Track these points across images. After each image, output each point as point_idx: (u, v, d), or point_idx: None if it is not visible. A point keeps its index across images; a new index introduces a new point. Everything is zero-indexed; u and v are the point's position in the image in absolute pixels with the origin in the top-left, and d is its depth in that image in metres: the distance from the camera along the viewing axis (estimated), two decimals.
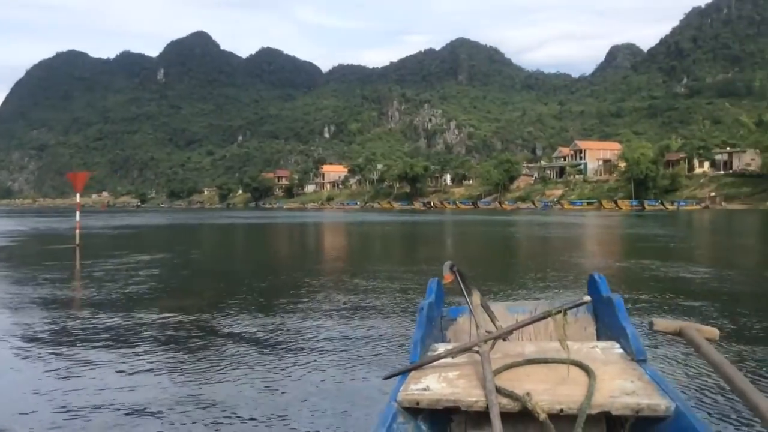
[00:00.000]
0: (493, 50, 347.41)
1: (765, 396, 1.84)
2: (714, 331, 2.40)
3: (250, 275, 12.62)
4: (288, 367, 5.13)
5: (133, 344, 5.95)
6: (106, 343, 6.04)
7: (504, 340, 2.91)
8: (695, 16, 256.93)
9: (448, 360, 2.60)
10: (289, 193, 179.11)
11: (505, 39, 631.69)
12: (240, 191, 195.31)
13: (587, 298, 2.84)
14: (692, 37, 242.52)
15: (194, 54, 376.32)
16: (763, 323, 7.07)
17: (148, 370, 5.01)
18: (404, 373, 2.55)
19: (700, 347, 2.25)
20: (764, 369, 5.19)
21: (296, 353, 5.57)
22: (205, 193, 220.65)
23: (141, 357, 5.44)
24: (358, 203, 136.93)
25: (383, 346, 5.87)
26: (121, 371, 4.99)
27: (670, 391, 2.21)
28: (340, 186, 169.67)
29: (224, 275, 12.67)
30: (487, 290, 8.85)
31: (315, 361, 5.29)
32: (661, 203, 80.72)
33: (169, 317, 7.35)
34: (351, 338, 6.21)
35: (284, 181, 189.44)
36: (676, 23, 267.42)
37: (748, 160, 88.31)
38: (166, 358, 5.46)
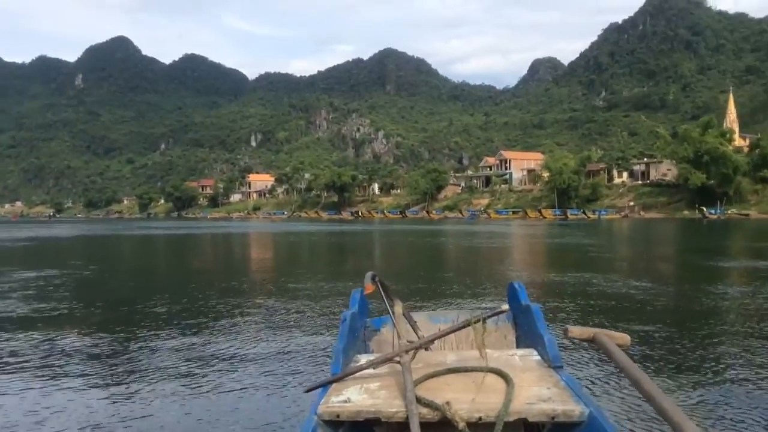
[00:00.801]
0: (420, 61, 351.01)
1: (670, 399, 1.94)
2: (625, 337, 2.50)
3: (159, 294, 11.53)
4: (209, 385, 5.06)
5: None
6: None
7: (426, 349, 2.93)
8: (612, 32, 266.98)
9: (370, 371, 2.61)
10: (214, 202, 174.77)
11: (433, 51, 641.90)
12: (162, 201, 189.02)
13: (505, 307, 3.01)
14: (610, 52, 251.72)
15: (114, 59, 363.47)
16: (670, 331, 7.50)
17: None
18: (325, 385, 2.55)
19: (612, 353, 2.34)
20: (670, 373, 5.56)
21: (217, 371, 5.48)
22: (125, 202, 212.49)
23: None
24: (286, 213, 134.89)
25: (307, 359, 5.90)
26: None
27: (584, 397, 2.28)
28: (267, 195, 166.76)
29: (127, 294, 11.71)
30: (413, 300, 9.20)
31: (237, 378, 5.25)
32: (584, 212, 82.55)
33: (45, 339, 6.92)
34: (274, 353, 6.18)
35: (209, 191, 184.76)
36: (594, 38, 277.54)
37: (664, 170, 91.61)
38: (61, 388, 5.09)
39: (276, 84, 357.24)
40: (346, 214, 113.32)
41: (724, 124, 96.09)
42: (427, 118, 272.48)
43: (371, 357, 2.82)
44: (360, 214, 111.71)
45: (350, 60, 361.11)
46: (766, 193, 74.78)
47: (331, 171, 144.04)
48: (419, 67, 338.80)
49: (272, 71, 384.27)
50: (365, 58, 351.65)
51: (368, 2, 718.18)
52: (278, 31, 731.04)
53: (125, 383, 5.16)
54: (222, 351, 6.30)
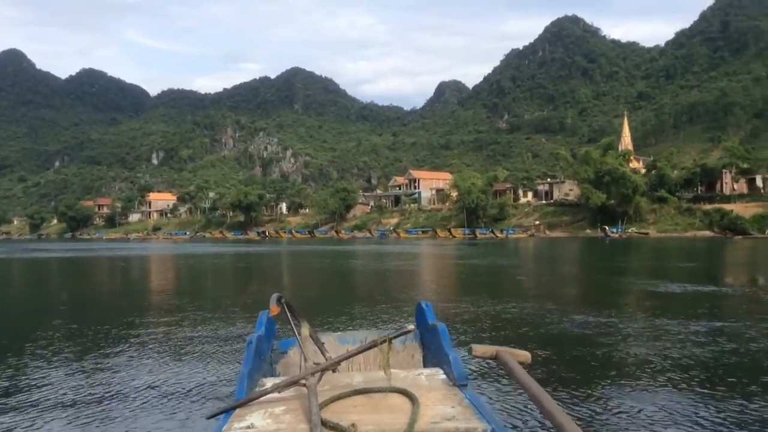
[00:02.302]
0: (328, 81, 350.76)
1: (568, 415, 2.02)
2: (527, 355, 2.61)
3: (46, 324, 10.42)
4: (101, 416, 4.88)
5: None
6: None
7: (333, 371, 2.96)
8: (514, 57, 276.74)
9: (275, 395, 2.60)
10: (111, 222, 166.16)
11: (341, 71, 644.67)
12: (55, 221, 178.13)
13: (411, 326, 3.02)
14: (512, 76, 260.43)
15: (6, 73, 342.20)
16: (571, 350, 7.77)
17: None
18: (228, 411, 2.52)
19: (513, 370, 2.42)
20: (568, 390, 5.83)
21: (113, 401, 5.28)
22: (15, 223, 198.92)
23: None
24: (188, 233, 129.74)
25: (212, 385, 5.79)
26: None
27: (487, 414, 2.33)
28: (169, 215, 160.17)
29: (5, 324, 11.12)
30: (322, 322, 9.23)
31: (136, 407, 5.09)
32: (492, 231, 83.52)
33: None
34: (177, 380, 6.02)
35: (106, 210, 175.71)
36: (497, 63, 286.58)
37: (566, 190, 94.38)
38: None
39: (179, 101, 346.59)
40: (252, 234, 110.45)
41: (619, 147, 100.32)
42: (336, 137, 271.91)
43: (277, 380, 2.77)
44: (267, 234, 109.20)
45: (257, 78, 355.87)
46: (663, 213, 78.14)
47: (238, 190, 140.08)
48: (327, 87, 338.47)
49: (176, 87, 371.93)
50: (273, 76, 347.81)
51: (275, 21, 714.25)
52: (182, 47, 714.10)
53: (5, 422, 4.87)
54: (119, 380, 6.08)
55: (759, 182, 79.87)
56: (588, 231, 78.76)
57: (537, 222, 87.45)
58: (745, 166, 79.60)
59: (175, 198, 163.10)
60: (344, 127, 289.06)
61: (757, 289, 16.23)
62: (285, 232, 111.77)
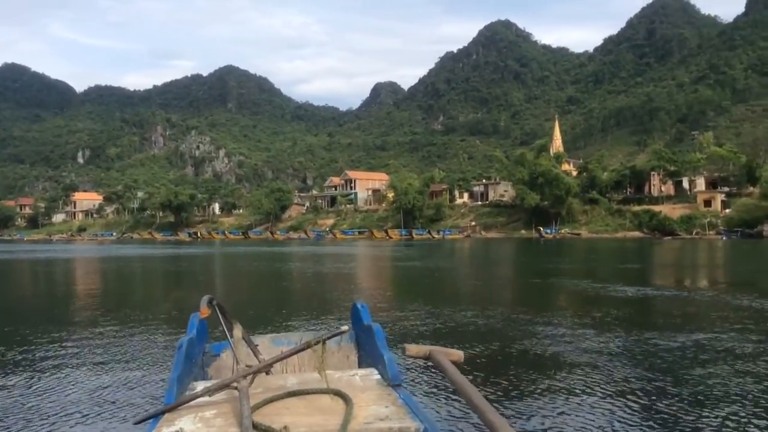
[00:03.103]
0: (263, 80, 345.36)
1: (498, 412, 2.06)
2: (459, 354, 2.67)
3: None
4: (22, 424, 4.78)
5: None
6: None
7: (267, 373, 2.98)
8: (449, 60, 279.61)
9: (206, 399, 2.58)
10: (34, 223, 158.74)
11: (276, 70, 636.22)
12: None
13: (345, 327, 3.06)
14: (446, 79, 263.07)
15: None
16: (503, 349, 8.05)
17: None
18: (157, 416, 2.49)
19: (445, 369, 2.45)
20: (499, 388, 6.06)
21: (36, 416, 5.03)
22: None
23: None
24: (115, 234, 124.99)
25: (141, 390, 5.69)
26: None
27: (420, 414, 2.37)
28: (95, 215, 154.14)
29: None
30: (257, 324, 8.98)
31: (61, 419, 4.92)
32: (429, 232, 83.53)
33: None
34: (104, 386, 5.90)
35: (28, 210, 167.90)
36: (432, 66, 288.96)
37: (501, 191, 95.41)
38: None
39: (107, 97, 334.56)
40: (183, 236, 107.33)
41: (551, 150, 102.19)
42: (271, 137, 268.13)
43: (208, 384, 2.73)
44: (199, 235, 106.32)
45: (189, 76, 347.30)
46: (595, 214, 79.86)
47: (168, 189, 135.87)
48: (262, 86, 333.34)
49: (103, 84, 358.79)
50: (205, 74, 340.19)
51: (209, 18, 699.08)
52: (111, 42, 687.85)
53: None
54: (39, 392, 5.80)
55: (685, 184, 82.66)
56: (523, 232, 79.68)
57: (473, 223, 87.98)
58: (673, 168, 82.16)
59: (101, 198, 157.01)
60: (279, 127, 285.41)
61: (683, 290, 16.53)
62: (217, 233, 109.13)
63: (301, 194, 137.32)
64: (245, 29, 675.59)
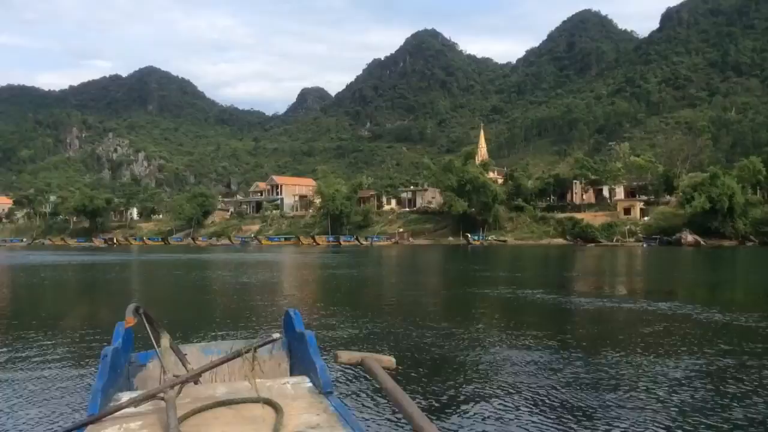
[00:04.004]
0: (185, 82, 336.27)
1: (428, 419, 2.08)
2: (391, 360, 2.67)
3: None
4: None
5: None
6: None
7: (195, 383, 2.90)
8: (376, 67, 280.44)
9: (131, 410, 2.53)
10: None
11: (199, 72, 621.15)
12: None
13: (277, 335, 3.00)
14: (374, 86, 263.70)
15: None
16: (434, 358, 8.22)
17: None
18: (80, 427, 2.45)
19: (377, 376, 2.46)
20: (430, 394, 6.27)
21: None
22: None
23: None
24: (25, 240, 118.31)
25: (64, 402, 5.59)
26: None
27: (352, 422, 2.39)
28: (4, 220, 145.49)
29: None
30: (185, 334, 8.77)
31: None
32: (357, 239, 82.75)
33: None
34: (23, 402, 5.74)
35: None
36: (360, 72, 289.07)
37: (429, 198, 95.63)
38: None
39: (19, 97, 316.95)
40: (98, 242, 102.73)
41: (476, 158, 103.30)
42: (194, 140, 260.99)
43: (134, 394, 2.64)
44: (115, 241, 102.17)
45: (108, 76, 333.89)
46: (520, 221, 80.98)
47: (83, 193, 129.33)
48: (184, 88, 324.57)
49: (15, 83, 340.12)
50: (124, 75, 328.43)
51: (130, 18, 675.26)
52: (23, 40, 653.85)
53: None
54: None
55: (606, 193, 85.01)
56: (451, 238, 79.91)
57: (401, 229, 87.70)
58: (594, 177, 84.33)
59: (11, 202, 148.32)
60: (202, 131, 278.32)
61: (605, 298, 16.89)
62: (135, 239, 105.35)
63: (225, 199, 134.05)
64: (168, 30, 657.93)
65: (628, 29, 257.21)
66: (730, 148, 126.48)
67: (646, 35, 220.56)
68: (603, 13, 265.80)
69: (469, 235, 75.03)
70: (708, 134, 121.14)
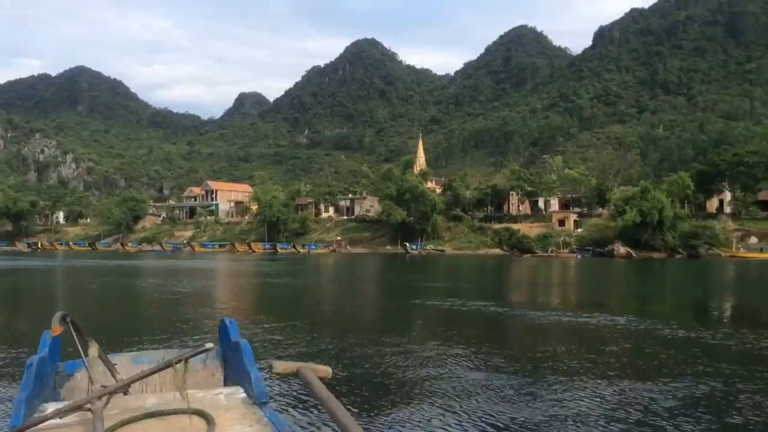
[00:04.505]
0: (117, 83, 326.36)
1: (362, 429, 2.10)
2: (327, 370, 2.67)
3: None
4: None
5: None
6: None
7: (125, 393, 2.85)
8: (315, 74, 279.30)
9: (56, 421, 2.50)
10: None
11: (132, 74, 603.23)
12: None
13: (209, 345, 2.91)
14: (313, 93, 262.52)
15: None
16: (370, 368, 8.29)
17: None
18: None
19: (312, 386, 2.46)
20: (365, 403, 6.44)
21: None
22: None
23: None
24: None
25: None
26: None
27: None
28: None
29: None
30: (115, 344, 8.32)
31: None
32: (294, 246, 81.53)
33: None
34: None
35: None
36: (299, 79, 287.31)
37: (368, 206, 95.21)
38: None
39: None
40: (22, 246, 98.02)
41: (415, 167, 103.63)
42: (125, 143, 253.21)
43: (60, 405, 2.58)
44: (40, 245, 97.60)
45: (36, 75, 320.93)
46: (458, 231, 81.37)
47: (6, 195, 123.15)
48: (116, 89, 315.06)
49: None
50: (54, 74, 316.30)
51: (61, 16, 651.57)
52: None
53: None
54: None
55: (541, 204, 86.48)
56: (389, 247, 79.62)
57: (339, 238, 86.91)
58: (530, 189, 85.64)
59: None
60: (134, 133, 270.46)
61: (538, 309, 17.16)
62: (61, 244, 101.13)
63: (157, 204, 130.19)
64: (101, 30, 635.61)
65: (563, 46, 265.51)
66: (658, 164, 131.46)
67: (579, 52, 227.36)
68: (539, 29, 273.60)
69: (408, 245, 74.92)
70: (637, 150, 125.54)
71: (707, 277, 37.79)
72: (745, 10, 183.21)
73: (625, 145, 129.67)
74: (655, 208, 64.29)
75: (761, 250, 61.94)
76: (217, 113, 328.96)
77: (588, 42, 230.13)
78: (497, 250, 73.43)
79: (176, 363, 2.63)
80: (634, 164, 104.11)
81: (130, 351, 4.19)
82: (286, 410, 5.83)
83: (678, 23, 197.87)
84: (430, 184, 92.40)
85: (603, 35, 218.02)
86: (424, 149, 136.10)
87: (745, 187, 74.50)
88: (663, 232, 65.40)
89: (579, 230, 75.53)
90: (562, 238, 72.95)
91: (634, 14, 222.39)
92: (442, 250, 75.53)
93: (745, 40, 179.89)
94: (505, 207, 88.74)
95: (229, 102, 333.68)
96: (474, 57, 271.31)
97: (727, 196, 76.53)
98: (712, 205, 77.22)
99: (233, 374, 3.08)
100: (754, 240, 66.96)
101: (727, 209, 75.22)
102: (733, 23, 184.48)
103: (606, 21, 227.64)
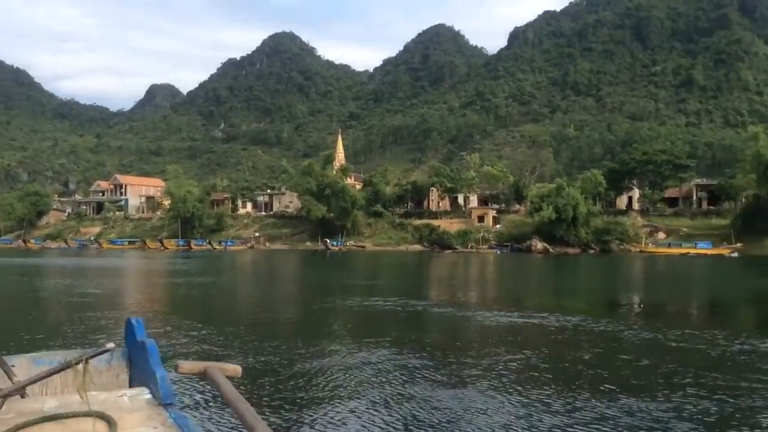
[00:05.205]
0: (20, 72, 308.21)
1: (270, 429, 2.08)
2: (236, 369, 2.62)
3: None
4: None
5: None
6: None
7: (21, 396, 2.72)
8: (231, 67, 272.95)
9: None
10: None
11: (36, 63, 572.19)
12: None
13: (111, 344, 2.87)
14: (229, 86, 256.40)
15: None
16: (280, 367, 8.42)
17: None
18: None
19: (219, 385, 2.44)
20: (275, 403, 6.43)
21: None
22: None
23: None
24: None
25: None
26: None
27: None
28: None
29: None
30: (15, 346, 8.43)
31: None
32: (209, 243, 79.04)
33: None
34: None
35: None
36: (214, 71, 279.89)
37: (287, 202, 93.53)
38: None
39: None
40: None
41: (334, 163, 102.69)
42: (28, 135, 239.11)
43: None
44: None
45: None
46: (379, 227, 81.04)
47: None
48: (19, 79, 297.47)
49: None
50: None
51: None
52: None
53: None
54: None
55: (461, 200, 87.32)
56: (309, 243, 78.38)
57: (257, 234, 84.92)
58: (450, 185, 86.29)
59: None
60: (38, 125, 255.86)
61: (458, 305, 17.35)
62: None
63: (62, 199, 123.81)
64: (4, 17, 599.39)
65: (479, 45, 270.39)
66: (569, 162, 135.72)
67: (495, 52, 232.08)
68: (456, 28, 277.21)
69: (328, 241, 73.91)
70: (550, 148, 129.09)
71: (619, 272, 38.91)
72: (651, 15, 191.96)
73: (538, 144, 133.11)
74: (569, 205, 65.91)
75: (669, 246, 64.59)
76: (127, 105, 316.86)
77: (503, 42, 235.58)
78: (418, 246, 73.52)
79: (76, 364, 2.55)
80: (548, 162, 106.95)
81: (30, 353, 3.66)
82: (194, 411, 5.73)
83: (588, 26, 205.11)
84: (350, 180, 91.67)
85: (517, 36, 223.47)
86: (344, 145, 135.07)
87: (653, 184, 77.67)
88: (577, 228, 67.14)
89: (498, 226, 76.66)
90: (482, 234, 73.80)
91: (547, 16, 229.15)
92: (363, 246, 74.96)
93: (651, 44, 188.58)
94: (426, 203, 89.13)
95: (140, 94, 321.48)
96: (393, 54, 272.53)
97: (636, 193, 79.60)
98: (622, 202, 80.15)
99: (139, 375, 2.93)
100: (662, 236, 69.87)
101: (636, 206, 78.24)
102: (640, 27, 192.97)
103: (520, 22, 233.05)
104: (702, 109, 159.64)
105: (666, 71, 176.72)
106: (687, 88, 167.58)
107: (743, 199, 70.78)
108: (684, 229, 70.28)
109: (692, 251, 60.95)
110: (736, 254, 57.67)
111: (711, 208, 75.97)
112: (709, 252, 60.07)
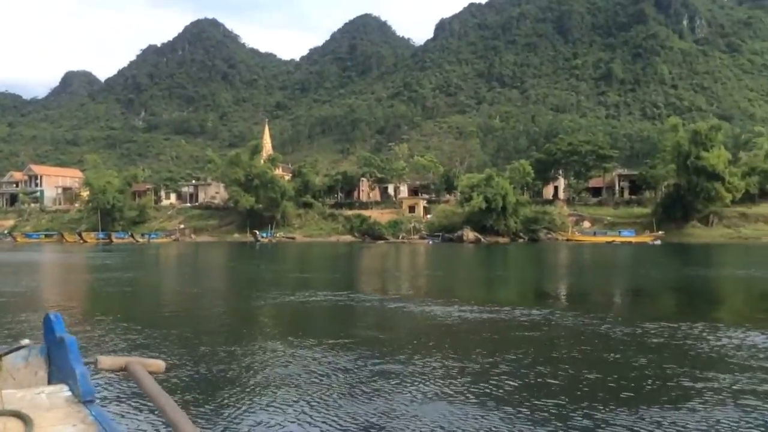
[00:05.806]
0: None
1: (193, 424, 2.05)
2: (159, 364, 2.56)
3: None
4: None
5: None
6: None
7: None
8: (152, 53, 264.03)
9: None
10: None
11: None
12: None
13: (26, 341, 2.83)
14: (149, 73, 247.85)
15: None
16: (207, 363, 8.32)
17: None
18: None
19: (141, 381, 2.38)
20: (200, 398, 6.44)
21: None
22: None
23: None
24: None
25: None
26: None
27: (111, 431, 2.31)
28: None
29: None
30: None
31: None
32: (132, 236, 76.19)
33: None
34: None
35: None
36: (133, 57, 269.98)
37: (213, 193, 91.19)
38: None
39: None
40: None
41: (262, 153, 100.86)
42: None
43: None
44: None
45: None
46: (309, 218, 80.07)
47: None
48: None
49: None
50: None
51: None
52: None
53: None
54: None
55: (391, 191, 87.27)
56: (236, 235, 76.65)
57: (182, 226, 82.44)
58: (380, 175, 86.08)
59: None
60: None
61: (390, 297, 17.12)
62: None
63: None
64: None
65: (406, 36, 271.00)
66: (495, 152, 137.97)
67: (422, 43, 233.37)
68: (383, 18, 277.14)
69: (257, 232, 72.42)
70: (476, 139, 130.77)
71: (548, 260, 39.50)
72: (572, 9, 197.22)
73: (465, 135, 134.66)
74: (499, 195, 66.78)
75: (595, 234, 66.47)
76: (42, 93, 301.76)
77: (429, 34, 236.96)
78: (348, 237, 73.01)
79: None
80: (475, 153, 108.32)
81: None
82: (116, 407, 5.68)
83: (512, 19, 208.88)
84: (278, 171, 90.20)
85: (444, 27, 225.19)
86: (270, 135, 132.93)
87: (578, 174, 79.74)
88: (506, 217, 68.14)
89: (428, 216, 76.96)
90: (413, 224, 73.93)
91: (472, 9, 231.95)
92: (293, 238, 73.86)
93: (572, 38, 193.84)
94: (356, 193, 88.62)
95: (55, 81, 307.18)
96: (320, 43, 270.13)
97: (562, 183, 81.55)
98: (549, 191, 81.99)
99: (58, 372, 2.79)
100: (587, 224, 71.87)
101: (562, 195, 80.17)
102: (562, 21, 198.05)
103: (447, 14, 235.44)
104: (621, 102, 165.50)
105: (587, 65, 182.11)
106: (607, 81, 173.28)
107: (663, 189, 73.54)
108: (608, 218, 72.53)
109: (617, 239, 62.96)
110: (658, 242, 59.91)
111: (633, 197, 78.73)
112: (633, 240, 62.20)
